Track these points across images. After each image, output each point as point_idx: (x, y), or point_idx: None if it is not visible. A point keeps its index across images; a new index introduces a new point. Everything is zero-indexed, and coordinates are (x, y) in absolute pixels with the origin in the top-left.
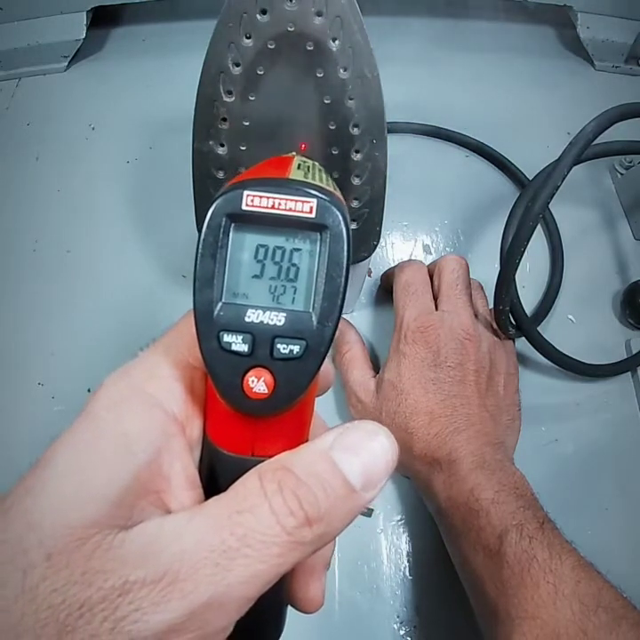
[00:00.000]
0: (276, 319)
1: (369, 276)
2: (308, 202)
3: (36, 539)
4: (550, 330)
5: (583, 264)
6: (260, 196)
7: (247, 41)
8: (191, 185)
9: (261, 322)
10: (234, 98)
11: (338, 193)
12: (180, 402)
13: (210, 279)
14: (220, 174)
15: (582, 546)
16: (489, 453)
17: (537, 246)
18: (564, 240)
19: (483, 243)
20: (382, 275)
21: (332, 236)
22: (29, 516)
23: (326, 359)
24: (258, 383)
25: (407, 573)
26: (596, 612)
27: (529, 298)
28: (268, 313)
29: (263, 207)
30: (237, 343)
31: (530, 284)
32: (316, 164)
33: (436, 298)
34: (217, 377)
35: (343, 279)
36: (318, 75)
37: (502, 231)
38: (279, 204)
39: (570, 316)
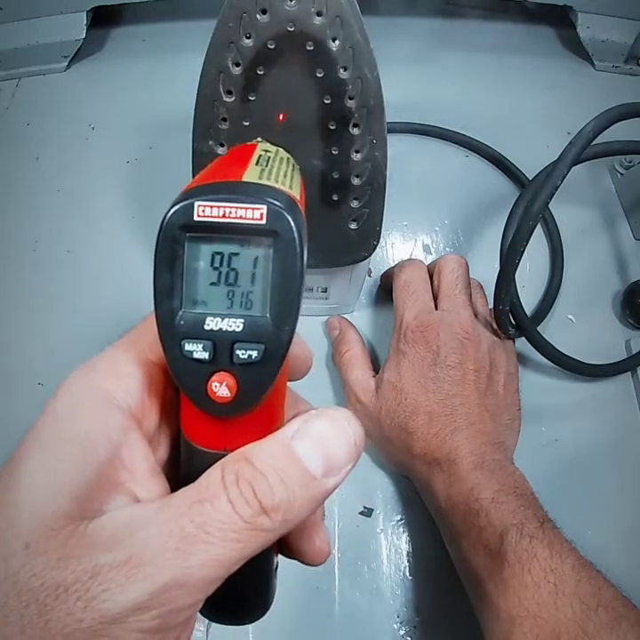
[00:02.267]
0: (235, 325)
1: (369, 276)
2: (259, 208)
3: (13, 531)
4: (550, 330)
5: (583, 264)
6: (211, 206)
7: (247, 41)
8: None
9: (220, 328)
10: (234, 98)
11: (294, 191)
12: (137, 398)
13: (169, 290)
14: None
15: (582, 546)
16: (488, 453)
17: (537, 246)
18: (564, 240)
19: (483, 243)
20: (382, 275)
21: (284, 241)
22: (6, 512)
23: (300, 342)
24: (221, 388)
25: (407, 573)
26: (597, 611)
27: (529, 298)
28: (226, 319)
29: (215, 217)
30: (198, 351)
31: (530, 284)
32: (280, 150)
33: (435, 297)
34: (182, 383)
35: (298, 282)
36: (318, 75)
37: (502, 231)
38: (230, 212)
39: (570, 316)
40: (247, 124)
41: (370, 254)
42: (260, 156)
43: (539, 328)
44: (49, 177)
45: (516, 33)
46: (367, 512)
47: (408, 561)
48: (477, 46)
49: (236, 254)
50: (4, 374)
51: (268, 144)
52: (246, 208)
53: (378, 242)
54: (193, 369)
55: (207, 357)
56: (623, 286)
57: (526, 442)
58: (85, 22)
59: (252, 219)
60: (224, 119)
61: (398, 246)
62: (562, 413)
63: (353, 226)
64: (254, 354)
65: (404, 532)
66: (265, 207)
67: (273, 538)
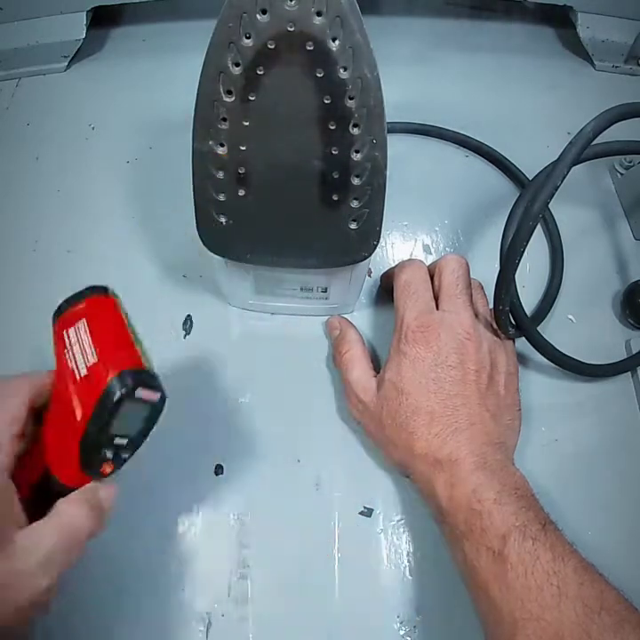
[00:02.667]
0: (123, 442)
1: (369, 276)
2: (159, 393)
3: None
4: (550, 330)
5: (583, 264)
6: (144, 391)
7: (247, 41)
8: (191, 185)
9: (119, 443)
10: (234, 98)
11: (150, 359)
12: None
13: (103, 425)
14: (220, 174)
15: (582, 546)
16: (490, 453)
17: (537, 246)
18: (564, 240)
19: (483, 243)
20: (382, 275)
21: (157, 408)
22: None
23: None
24: (109, 469)
25: (407, 573)
26: (600, 614)
27: (529, 298)
28: (123, 441)
29: (141, 396)
30: (108, 453)
31: (530, 284)
32: (128, 314)
33: (436, 297)
34: (89, 466)
35: (151, 426)
36: (318, 75)
37: (502, 231)
38: (149, 395)
39: (570, 316)
40: (247, 124)
41: (370, 254)
42: (128, 322)
43: (539, 328)
44: (49, 177)
45: (516, 33)
46: (367, 512)
47: (408, 561)
48: (477, 46)
49: (138, 413)
50: (4, 374)
51: (117, 297)
52: (155, 393)
53: (378, 242)
54: (100, 462)
55: (110, 456)
56: (623, 286)
57: (526, 442)
58: (85, 22)
59: (155, 396)
60: (224, 119)
61: (398, 246)
62: (562, 413)
63: (353, 226)
64: (126, 456)
65: (403, 532)
66: (160, 394)
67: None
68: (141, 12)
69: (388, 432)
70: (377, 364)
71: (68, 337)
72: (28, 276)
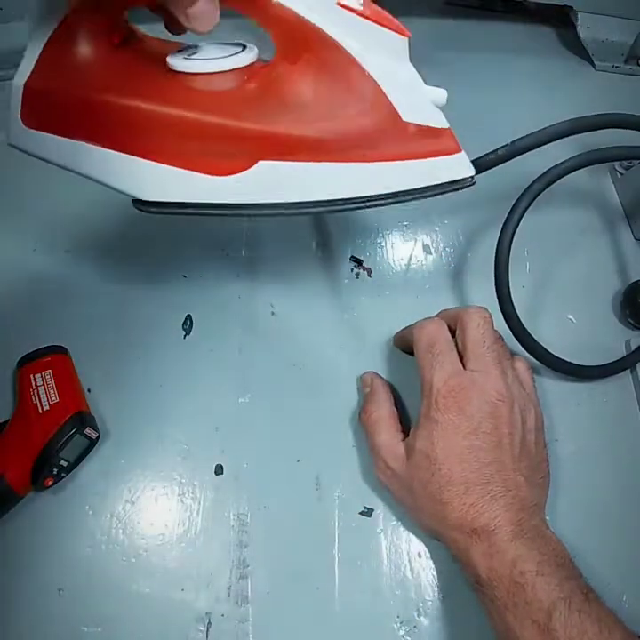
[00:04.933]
0: (65, 463)
1: (369, 276)
2: (97, 433)
3: None
4: (550, 330)
5: (583, 264)
6: (89, 429)
7: None
8: None
9: (61, 464)
10: None
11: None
12: None
13: (55, 451)
14: None
15: (581, 546)
16: (525, 520)
17: (537, 246)
18: (565, 240)
19: (483, 243)
20: (395, 336)
21: (94, 443)
22: None
23: None
24: (50, 482)
25: (407, 573)
26: None
27: (529, 298)
28: (65, 463)
29: (88, 432)
30: (55, 469)
31: (530, 284)
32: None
33: (460, 354)
34: (36, 478)
35: (86, 455)
36: None
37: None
38: (91, 432)
39: (570, 316)
40: None
41: None
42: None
43: (538, 328)
44: (48, 177)
45: (516, 33)
46: (367, 512)
47: (408, 561)
48: (477, 46)
49: (78, 443)
50: (4, 374)
51: (70, 356)
52: (95, 432)
53: None
54: (45, 476)
55: (54, 473)
56: (623, 286)
57: None
58: None
59: (94, 435)
60: None
61: (398, 246)
62: (562, 413)
63: None
64: (64, 474)
65: (403, 531)
66: (97, 434)
67: None
68: (141, 11)
69: (420, 501)
70: (403, 414)
71: (34, 380)
72: (27, 276)
